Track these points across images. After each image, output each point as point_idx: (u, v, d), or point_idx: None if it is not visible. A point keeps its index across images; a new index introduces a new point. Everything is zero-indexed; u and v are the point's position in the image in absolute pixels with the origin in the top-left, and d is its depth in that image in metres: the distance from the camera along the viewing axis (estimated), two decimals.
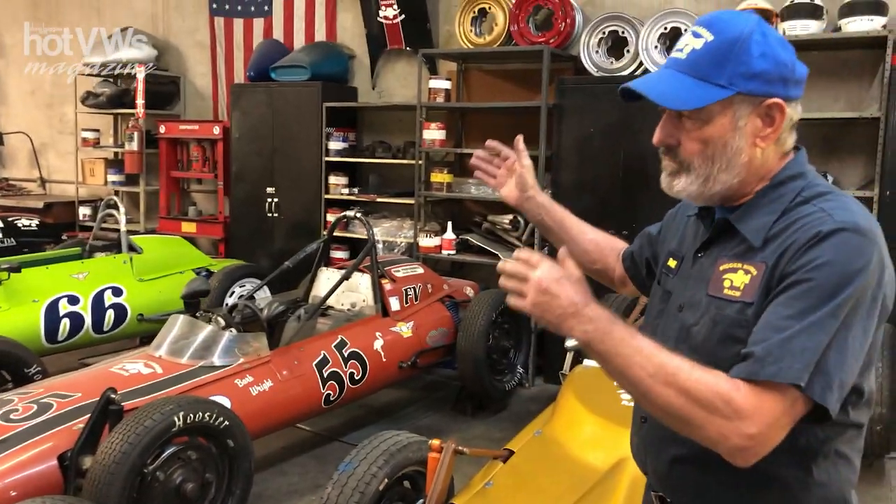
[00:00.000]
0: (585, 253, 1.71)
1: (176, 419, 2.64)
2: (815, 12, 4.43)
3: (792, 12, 4.46)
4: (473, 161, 1.77)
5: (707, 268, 1.32)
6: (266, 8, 6.82)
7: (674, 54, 1.28)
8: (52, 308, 4.58)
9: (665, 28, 4.78)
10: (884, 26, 4.27)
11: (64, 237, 6.66)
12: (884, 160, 4.20)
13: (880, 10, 4.29)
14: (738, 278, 1.25)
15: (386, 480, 2.41)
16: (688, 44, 1.26)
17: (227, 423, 2.83)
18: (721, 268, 1.28)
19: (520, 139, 1.74)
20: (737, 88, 1.23)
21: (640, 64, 4.88)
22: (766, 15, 4.51)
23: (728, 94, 1.23)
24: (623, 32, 4.95)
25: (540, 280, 1.14)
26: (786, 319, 1.13)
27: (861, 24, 4.30)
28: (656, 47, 4.81)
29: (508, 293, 1.19)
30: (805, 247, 1.16)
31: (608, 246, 1.74)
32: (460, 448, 2.37)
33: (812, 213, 1.20)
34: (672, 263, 1.46)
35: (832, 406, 1.12)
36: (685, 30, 4.65)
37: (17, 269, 4.45)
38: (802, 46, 4.58)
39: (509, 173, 1.73)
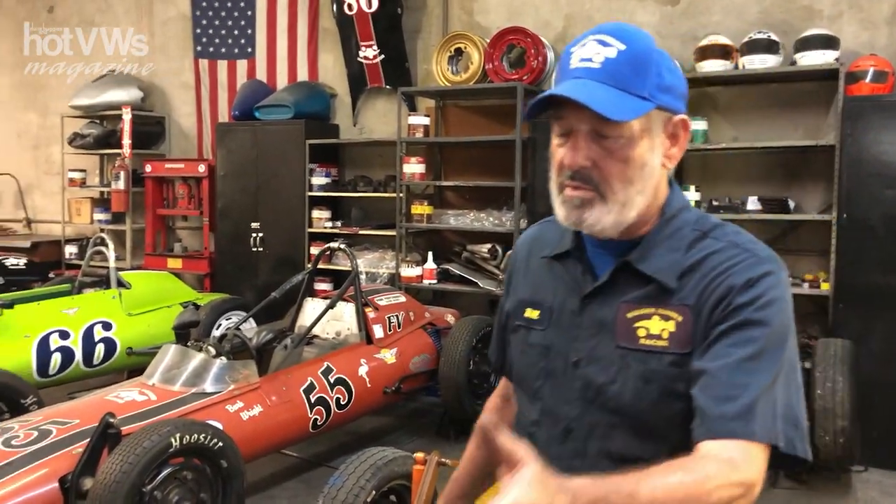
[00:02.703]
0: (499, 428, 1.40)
1: (173, 440, 2.77)
2: (771, 47, 4.70)
3: (751, 47, 4.73)
4: None
5: (605, 315, 1.20)
6: (249, 50, 7.04)
7: (581, 64, 1.15)
8: (44, 343, 4.68)
9: None
10: (836, 59, 4.53)
11: (51, 275, 6.76)
12: (840, 185, 4.44)
13: (832, 44, 4.56)
14: (654, 325, 1.15)
15: (373, 493, 2.55)
16: (598, 52, 1.14)
17: (220, 444, 2.96)
18: (628, 315, 1.17)
19: None
20: (657, 101, 1.15)
21: None
22: (727, 50, 4.79)
23: (651, 107, 1.14)
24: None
25: None
26: (747, 367, 1.08)
27: (815, 58, 4.57)
28: None
29: None
30: (742, 287, 1.12)
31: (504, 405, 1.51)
32: (444, 460, 2.52)
33: (724, 250, 1.16)
34: (533, 314, 1.31)
35: (809, 455, 1.10)
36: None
37: (9, 306, 4.56)
38: (762, 79, 4.88)
39: None
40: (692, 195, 4.87)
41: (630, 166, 1.15)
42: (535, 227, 1.43)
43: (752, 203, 4.77)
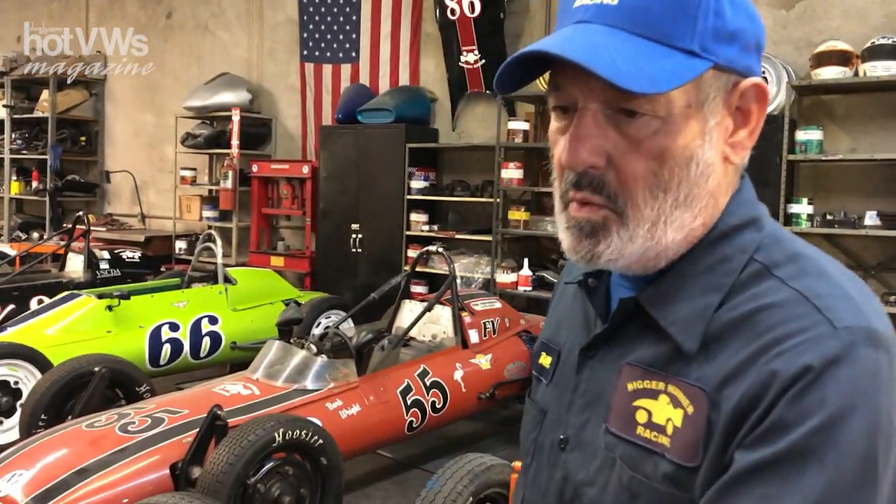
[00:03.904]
0: None
1: (276, 435, 2.86)
2: None
3: (873, 53, 4.48)
4: None
5: (603, 379, 0.82)
6: (353, 54, 7.20)
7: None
8: (156, 334, 4.92)
9: None
10: None
11: (162, 269, 7.11)
12: None
13: None
14: (660, 410, 0.75)
15: (471, 499, 2.56)
16: None
17: (321, 441, 3.03)
18: (630, 386, 0.78)
19: None
20: (713, 57, 0.73)
21: None
22: (847, 56, 4.56)
23: (705, 67, 0.73)
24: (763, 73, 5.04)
25: None
26: None
27: None
28: None
29: None
30: (790, 384, 0.66)
31: None
32: None
33: (785, 304, 0.71)
34: (545, 361, 0.95)
35: None
36: (763, 72, 4.76)
37: (126, 297, 4.82)
38: (885, 87, 4.62)
39: None
40: (804, 208, 4.66)
41: (666, 164, 0.74)
42: None
43: (871, 218, 4.52)
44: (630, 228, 0.76)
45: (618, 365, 0.80)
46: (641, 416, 0.76)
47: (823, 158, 4.67)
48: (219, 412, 2.97)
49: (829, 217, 4.65)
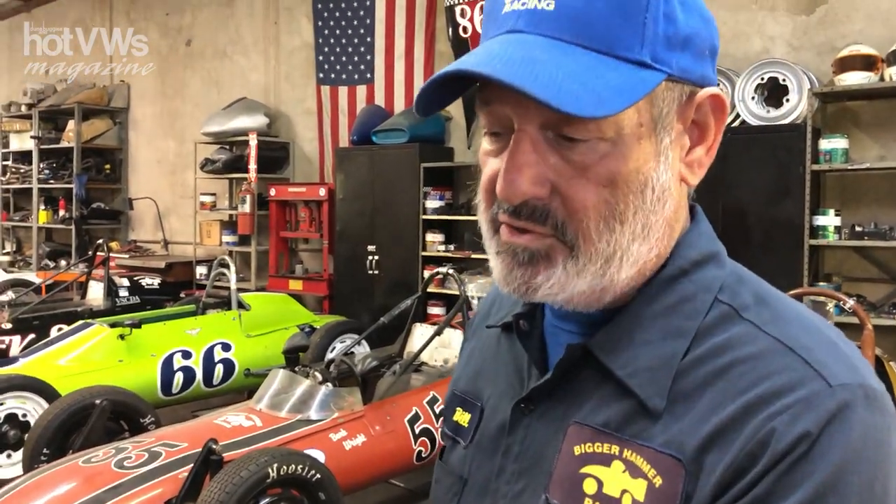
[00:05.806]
0: None
1: (270, 471, 2.76)
2: None
3: None
4: None
5: (544, 440, 0.71)
6: (368, 76, 7.17)
7: (519, 4, 0.64)
8: (168, 362, 4.88)
9: (762, 78, 4.69)
10: None
11: (182, 295, 7.11)
12: None
13: None
14: (614, 479, 0.64)
15: None
16: None
17: (318, 476, 2.93)
18: (577, 450, 0.67)
19: None
20: (665, 68, 0.64)
21: (738, 115, 4.79)
22: (871, 60, 4.37)
23: (657, 81, 0.63)
24: (718, 84, 4.89)
25: None
26: None
27: None
28: (753, 98, 4.72)
29: None
30: (786, 452, 0.57)
31: None
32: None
33: (765, 356, 0.62)
34: (462, 418, 0.82)
35: None
36: (783, 80, 4.60)
37: (137, 325, 4.79)
38: None
39: None
40: (831, 220, 4.46)
41: (619, 192, 0.64)
42: None
43: None
44: (580, 263, 0.66)
45: (563, 424, 0.70)
46: (590, 486, 0.66)
47: (849, 167, 4.47)
48: (213, 446, 2.88)
49: (857, 229, 4.44)
